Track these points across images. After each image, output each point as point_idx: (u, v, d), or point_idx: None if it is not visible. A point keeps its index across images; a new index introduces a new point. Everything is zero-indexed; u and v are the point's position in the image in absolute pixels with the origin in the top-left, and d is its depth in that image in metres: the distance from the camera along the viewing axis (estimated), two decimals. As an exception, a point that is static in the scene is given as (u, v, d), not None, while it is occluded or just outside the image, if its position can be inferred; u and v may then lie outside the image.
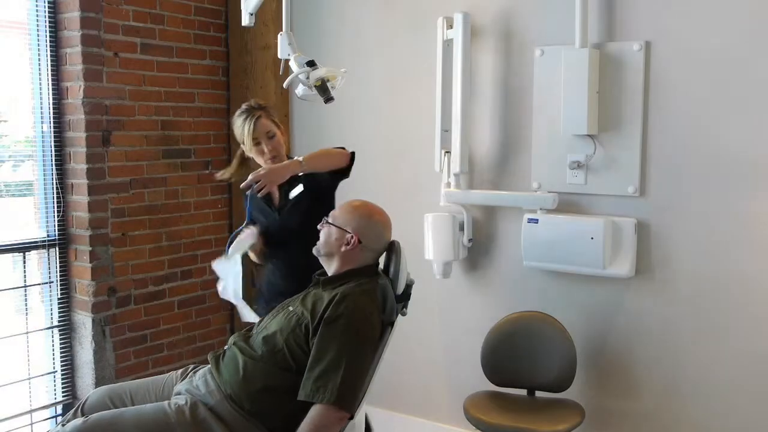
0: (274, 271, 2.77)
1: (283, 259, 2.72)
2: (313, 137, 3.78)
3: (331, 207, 2.61)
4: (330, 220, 2.35)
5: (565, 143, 2.97)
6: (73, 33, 3.27)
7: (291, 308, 2.27)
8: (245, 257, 2.64)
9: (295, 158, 2.50)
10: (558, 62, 2.90)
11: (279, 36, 2.81)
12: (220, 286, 2.64)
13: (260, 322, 2.34)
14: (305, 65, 2.65)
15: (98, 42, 3.32)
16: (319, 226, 2.39)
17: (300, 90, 2.74)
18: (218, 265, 2.62)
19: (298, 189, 2.64)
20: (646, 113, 2.82)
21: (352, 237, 2.29)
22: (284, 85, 2.77)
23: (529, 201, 3.02)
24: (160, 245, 3.66)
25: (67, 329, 3.44)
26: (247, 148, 2.67)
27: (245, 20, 2.96)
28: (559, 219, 2.95)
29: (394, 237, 2.46)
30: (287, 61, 2.77)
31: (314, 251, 2.38)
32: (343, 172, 2.63)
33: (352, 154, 2.64)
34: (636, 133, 2.83)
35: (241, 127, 2.64)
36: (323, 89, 2.62)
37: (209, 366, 2.28)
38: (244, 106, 2.70)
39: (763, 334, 2.64)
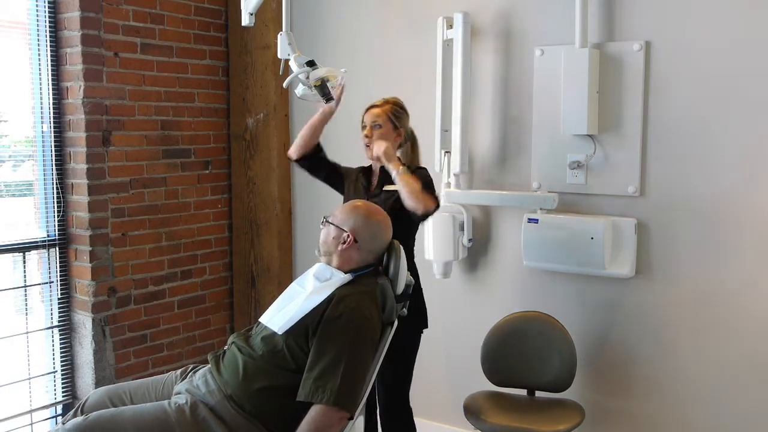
0: None
1: None
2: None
3: (410, 221, 2.63)
4: (329, 219, 2.35)
5: (565, 143, 2.97)
6: (73, 33, 3.27)
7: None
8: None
9: (401, 166, 2.56)
10: (558, 62, 2.90)
11: (279, 36, 2.81)
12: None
13: (259, 323, 2.34)
14: (305, 65, 2.65)
15: (98, 42, 3.32)
16: (321, 225, 2.40)
17: (300, 90, 2.75)
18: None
19: (395, 187, 2.63)
20: (646, 113, 2.82)
21: (348, 236, 2.29)
22: (284, 85, 2.77)
23: (529, 201, 3.02)
24: (160, 245, 3.67)
25: (67, 329, 3.44)
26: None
27: (245, 20, 2.97)
28: (559, 219, 2.95)
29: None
30: (287, 61, 2.78)
31: (316, 251, 2.40)
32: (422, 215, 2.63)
33: (437, 206, 2.63)
34: (636, 133, 2.83)
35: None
36: (323, 89, 2.64)
37: (209, 366, 2.27)
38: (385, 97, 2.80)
39: (763, 335, 2.64)
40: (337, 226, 2.32)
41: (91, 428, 2.04)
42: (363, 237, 2.31)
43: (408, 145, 2.82)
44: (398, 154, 2.77)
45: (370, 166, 2.86)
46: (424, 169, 2.76)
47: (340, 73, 2.68)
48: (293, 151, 2.87)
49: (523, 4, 3.08)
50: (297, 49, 2.77)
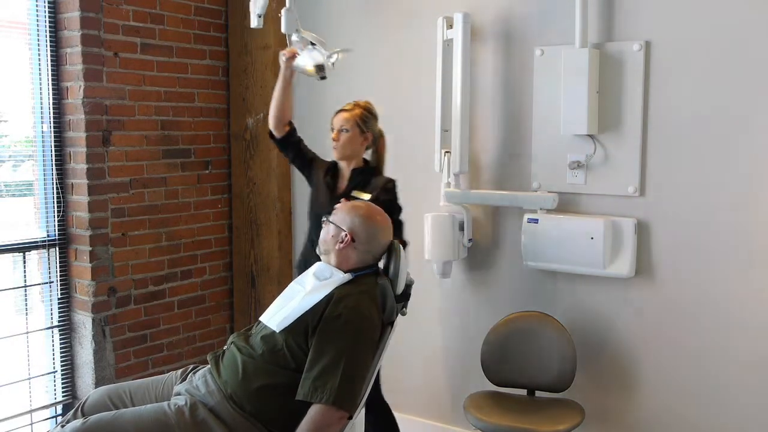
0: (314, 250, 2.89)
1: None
2: (314, 136, 3.77)
3: None
4: (330, 218, 2.36)
5: (565, 143, 2.97)
6: (73, 33, 3.27)
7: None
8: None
9: None
10: (558, 62, 2.90)
11: (283, 11, 2.87)
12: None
13: (258, 322, 2.34)
14: (316, 42, 2.80)
15: (98, 42, 3.32)
16: (323, 224, 2.40)
17: (303, 61, 2.82)
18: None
19: (365, 196, 2.78)
20: (646, 113, 2.82)
21: (345, 235, 2.30)
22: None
23: (529, 201, 3.02)
24: (160, 245, 3.67)
25: (67, 329, 3.44)
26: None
27: (254, 22, 2.99)
28: (559, 219, 2.95)
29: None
30: (290, 36, 2.87)
31: (316, 249, 2.41)
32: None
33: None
34: (636, 133, 2.83)
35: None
36: (321, 67, 2.78)
37: (209, 366, 2.28)
38: (355, 101, 2.93)
39: (763, 334, 2.64)
40: (336, 225, 2.33)
41: (90, 431, 2.04)
42: (360, 237, 2.32)
43: (377, 146, 2.94)
44: (365, 155, 2.92)
45: (338, 164, 2.95)
46: (392, 183, 2.88)
47: (339, 59, 2.82)
48: (273, 126, 2.97)
49: (523, 4, 3.08)
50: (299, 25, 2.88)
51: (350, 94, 3.31)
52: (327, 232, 2.36)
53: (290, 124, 2.98)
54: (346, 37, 3.62)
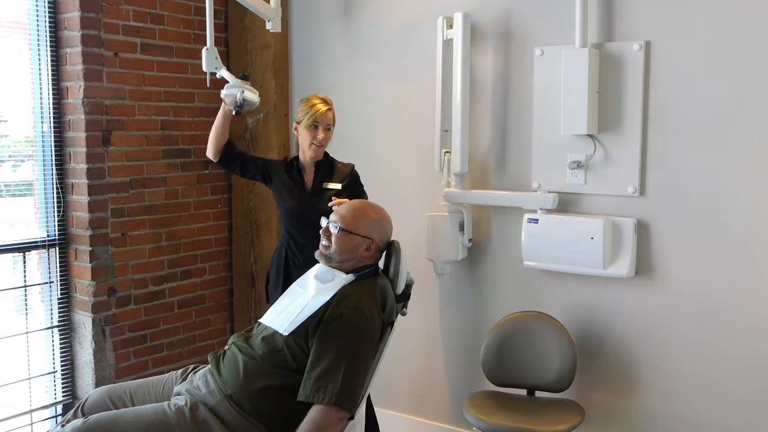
0: (297, 249, 2.92)
1: (307, 237, 2.83)
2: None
3: None
4: (348, 228, 2.32)
5: (565, 143, 2.97)
6: (73, 33, 3.27)
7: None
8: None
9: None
10: (558, 62, 2.90)
11: (204, 51, 3.01)
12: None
13: (259, 323, 2.34)
14: (240, 78, 2.91)
15: (98, 42, 3.32)
16: (335, 232, 2.33)
17: (228, 93, 2.91)
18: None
19: (336, 186, 2.89)
20: (646, 113, 2.82)
21: (372, 243, 2.32)
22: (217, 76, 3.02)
23: (529, 201, 3.02)
24: (160, 245, 3.66)
25: (67, 329, 3.44)
26: (304, 123, 2.88)
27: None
28: (559, 219, 2.95)
29: (394, 237, 2.47)
30: (213, 73, 3.02)
31: (324, 258, 2.35)
32: None
33: None
34: (636, 133, 2.83)
35: (312, 105, 2.88)
36: (241, 106, 2.86)
37: (209, 366, 2.28)
38: (320, 96, 2.94)
39: (762, 335, 2.64)
40: (364, 236, 2.31)
41: (90, 431, 2.04)
42: (382, 240, 2.38)
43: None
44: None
45: (298, 160, 2.98)
46: (355, 169, 3.00)
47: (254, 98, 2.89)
48: (211, 154, 3.06)
49: (523, 4, 3.08)
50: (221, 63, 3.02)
51: (351, 93, 3.32)
52: (348, 242, 2.30)
53: (226, 143, 3.05)
54: (345, 38, 3.62)
